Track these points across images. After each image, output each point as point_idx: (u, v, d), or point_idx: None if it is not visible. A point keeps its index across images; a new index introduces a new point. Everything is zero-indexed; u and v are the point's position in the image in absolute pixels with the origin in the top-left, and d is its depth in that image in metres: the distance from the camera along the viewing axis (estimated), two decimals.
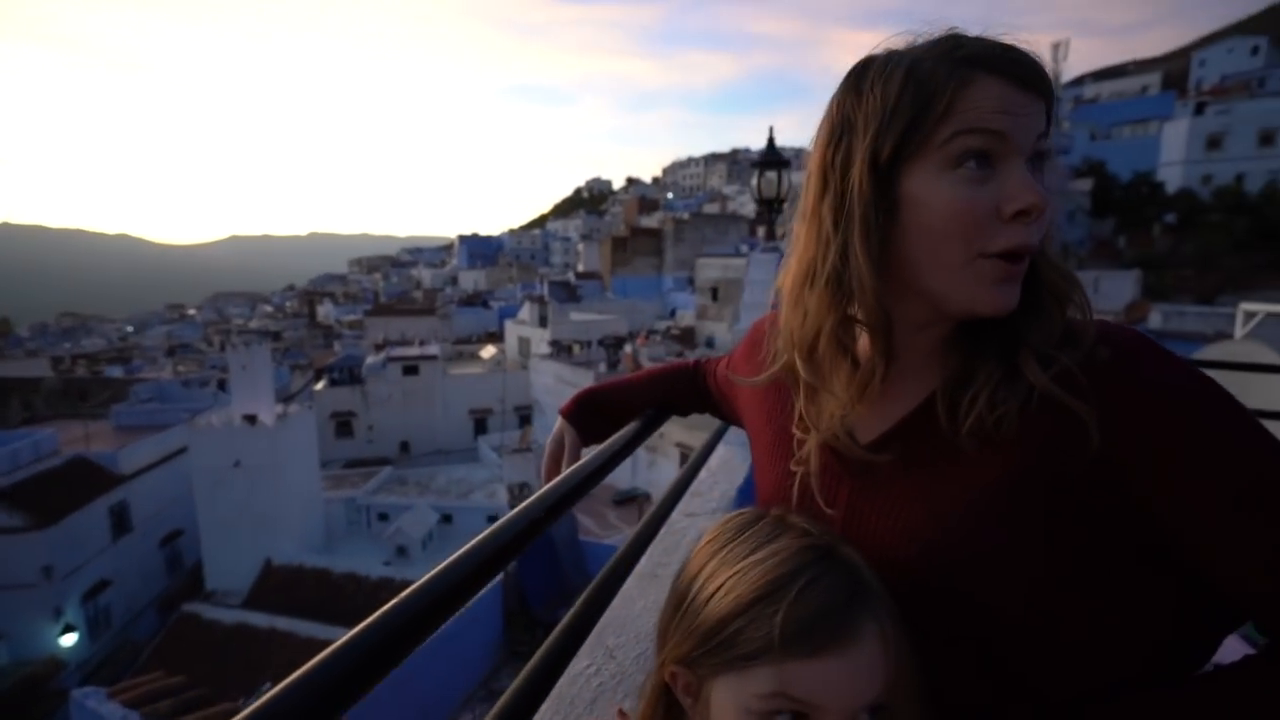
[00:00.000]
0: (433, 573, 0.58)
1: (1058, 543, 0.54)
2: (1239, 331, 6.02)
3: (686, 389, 1.12)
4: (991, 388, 0.56)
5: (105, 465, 17.97)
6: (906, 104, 0.54)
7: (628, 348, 25.96)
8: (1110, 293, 23.35)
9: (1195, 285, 26.10)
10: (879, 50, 0.59)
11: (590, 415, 1.09)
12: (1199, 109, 35.64)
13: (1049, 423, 0.54)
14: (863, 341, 0.62)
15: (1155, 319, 19.14)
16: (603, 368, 23.23)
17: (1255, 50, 46.07)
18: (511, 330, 33.91)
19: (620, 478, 15.94)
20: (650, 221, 55.46)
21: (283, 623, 13.67)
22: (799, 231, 0.64)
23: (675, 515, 1.61)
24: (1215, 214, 31.18)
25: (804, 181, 0.64)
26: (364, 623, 0.48)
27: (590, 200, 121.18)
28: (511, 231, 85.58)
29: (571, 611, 0.87)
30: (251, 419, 17.90)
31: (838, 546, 0.56)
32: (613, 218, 76.13)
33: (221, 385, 26.15)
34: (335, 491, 20.26)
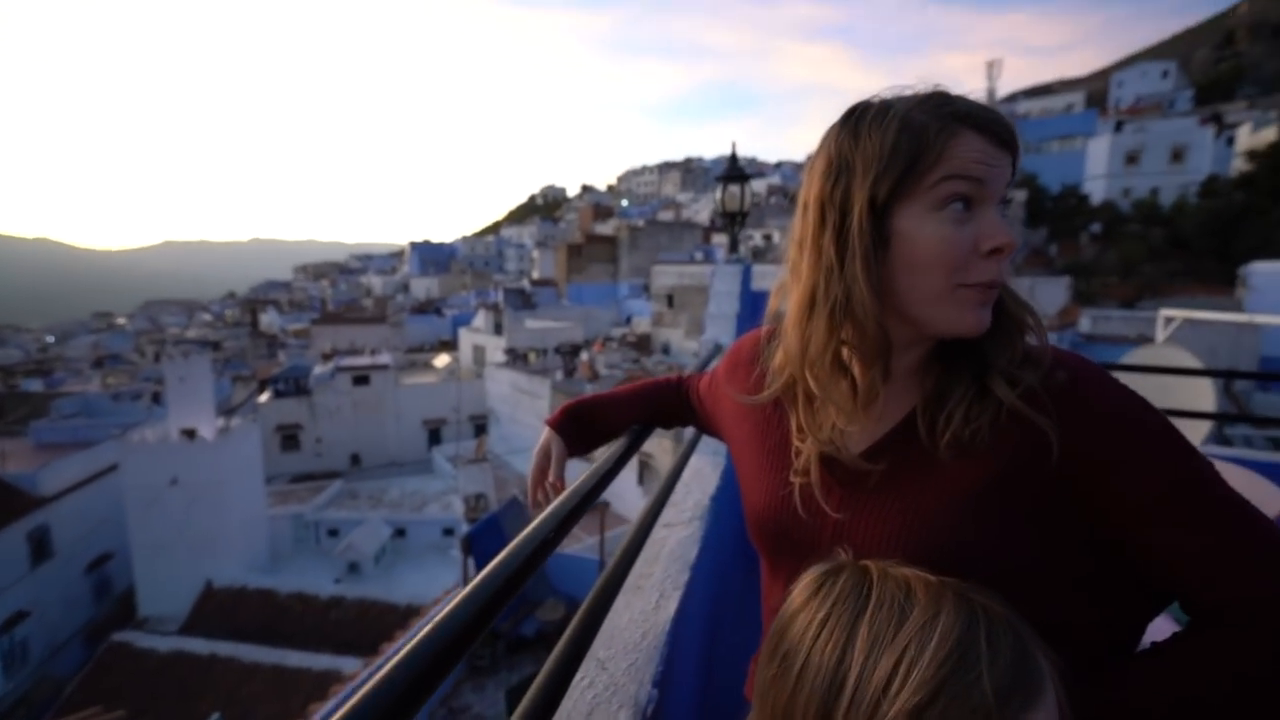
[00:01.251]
0: (460, 597, 0.59)
1: (1028, 541, 0.63)
2: (1159, 335, 6.47)
3: (672, 403, 1.17)
4: (966, 405, 0.65)
5: (22, 487, 16.73)
6: (902, 151, 0.62)
7: (584, 355, 25.89)
8: (1044, 298, 24.68)
9: (1119, 291, 27.87)
10: (872, 99, 0.67)
11: (578, 426, 1.12)
12: (1118, 127, 38.19)
13: (1016, 436, 0.63)
14: (855, 361, 0.69)
15: (1084, 323, 20.32)
16: (559, 376, 23.08)
17: (1165, 74, 50.01)
18: (466, 338, 33.36)
19: None
20: (605, 229, 55.48)
21: (225, 648, 12.99)
22: (798, 259, 0.70)
23: (654, 527, 1.64)
24: (1134, 224, 33.39)
25: (799, 210, 0.70)
26: (395, 658, 0.47)
27: (545, 207, 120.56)
28: (465, 238, 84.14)
29: (569, 629, 0.89)
30: (190, 433, 17.08)
31: (954, 586, 0.54)
32: (567, 225, 75.76)
33: (156, 398, 24.76)
34: (281, 507, 19.48)
